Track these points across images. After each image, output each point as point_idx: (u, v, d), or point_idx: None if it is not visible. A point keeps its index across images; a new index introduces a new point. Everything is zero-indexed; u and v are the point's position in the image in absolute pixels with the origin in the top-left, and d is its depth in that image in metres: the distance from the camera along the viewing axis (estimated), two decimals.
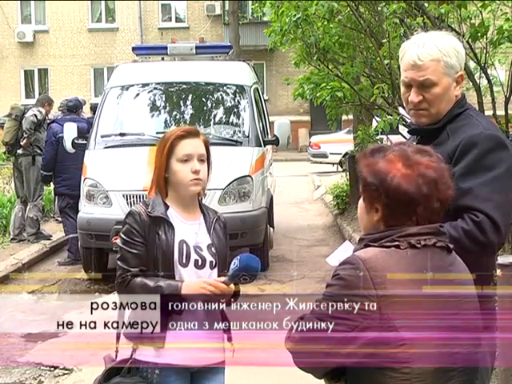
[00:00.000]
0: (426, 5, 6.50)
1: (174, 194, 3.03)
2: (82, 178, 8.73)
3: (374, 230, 2.07)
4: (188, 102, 10.04)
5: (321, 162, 22.88)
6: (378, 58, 7.40)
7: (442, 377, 2.00)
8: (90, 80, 32.35)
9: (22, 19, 32.42)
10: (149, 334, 2.83)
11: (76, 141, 9.14)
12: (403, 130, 7.13)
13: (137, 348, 2.90)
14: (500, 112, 6.48)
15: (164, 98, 10.05)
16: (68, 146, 9.19)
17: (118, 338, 3.07)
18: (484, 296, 2.44)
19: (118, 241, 2.99)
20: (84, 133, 9.44)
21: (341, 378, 2.10)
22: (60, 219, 11.61)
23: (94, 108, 11.61)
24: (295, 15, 8.14)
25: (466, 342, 2.04)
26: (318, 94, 8.68)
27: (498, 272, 4.15)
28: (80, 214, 8.63)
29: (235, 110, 9.82)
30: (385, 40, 7.11)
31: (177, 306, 2.84)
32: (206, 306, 2.91)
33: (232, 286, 2.88)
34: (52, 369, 5.91)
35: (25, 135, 10.36)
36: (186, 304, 2.87)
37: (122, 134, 9.14)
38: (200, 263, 2.97)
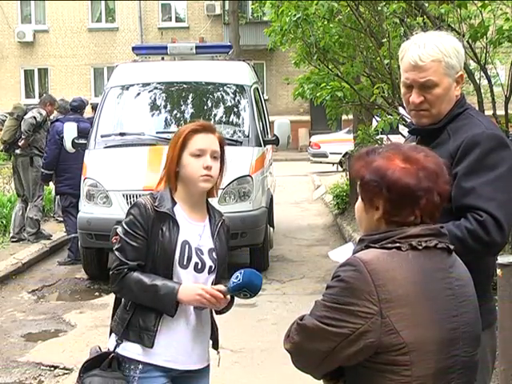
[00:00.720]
0: (426, 4, 6.51)
1: (183, 190, 2.93)
2: (82, 178, 8.73)
3: (375, 230, 2.06)
4: (188, 102, 10.04)
5: (321, 162, 22.89)
6: (378, 58, 7.40)
7: (442, 379, 1.99)
8: (89, 80, 32.36)
9: (22, 19, 32.42)
10: (138, 331, 2.83)
11: (76, 140, 9.15)
12: (403, 129, 7.13)
13: (121, 343, 2.85)
14: (500, 112, 6.48)
15: (164, 98, 10.05)
16: (68, 145, 9.20)
17: (111, 332, 3.02)
18: (484, 296, 2.45)
19: (119, 230, 2.90)
20: (87, 132, 9.45)
21: (339, 380, 2.10)
22: (60, 219, 11.63)
23: (95, 108, 11.60)
24: (295, 15, 8.14)
25: (466, 343, 2.04)
26: (318, 94, 8.68)
27: (498, 272, 4.16)
28: (80, 214, 8.63)
29: (235, 109, 9.82)
30: (385, 40, 7.11)
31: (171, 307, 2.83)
32: (197, 311, 2.90)
33: (228, 296, 2.85)
34: (52, 368, 5.91)
35: (23, 136, 10.36)
36: (185, 307, 2.86)
37: (121, 134, 9.14)
38: (200, 267, 2.90)
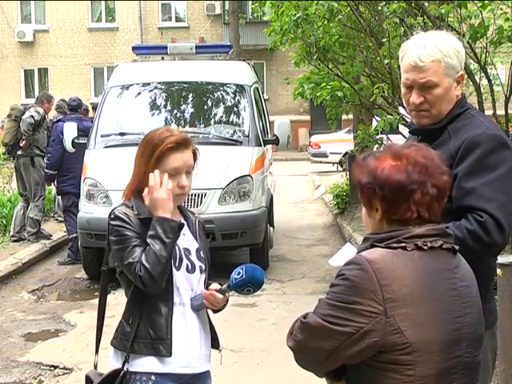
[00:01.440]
0: (426, 4, 6.51)
1: None
2: (82, 178, 8.73)
3: (379, 231, 2.07)
4: (188, 102, 10.05)
5: (321, 162, 22.89)
6: (378, 58, 7.40)
7: (445, 379, 2.00)
8: (89, 79, 32.36)
9: (22, 19, 32.42)
10: (151, 342, 2.74)
11: (76, 140, 9.15)
12: (403, 129, 7.14)
13: (129, 358, 2.74)
14: (500, 112, 6.48)
15: (164, 98, 10.06)
16: (68, 145, 9.20)
17: (96, 351, 2.96)
18: (485, 297, 2.45)
19: (112, 246, 2.78)
20: (89, 131, 9.45)
21: (342, 378, 2.11)
22: (60, 219, 11.63)
23: (95, 108, 11.61)
24: (295, 15, 8.14)
25: (469, 344, 2.04)
26: (318, 94, 8.68)
27: (498, 272, 4.16)
28: (80, 214, 8.63)
29: (235, 109, 9.82)
30: (385, 39, 7.11)
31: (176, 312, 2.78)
32: (196, 312, 2.85)
33: (227, 294, 2.82)
34: (52, 368, 5.91)
35: (23, 137, 10.35)
36: (183, 310, 2.82)
37: (121, 134, 9.14)
38: (190, 268, 2.85)
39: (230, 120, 9.83)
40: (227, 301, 2.89)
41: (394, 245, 1.99)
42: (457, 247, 2.08)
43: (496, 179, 2.55)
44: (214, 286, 2.85)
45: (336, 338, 1.96)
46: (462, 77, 2.70)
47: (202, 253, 2.91)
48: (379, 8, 7.42)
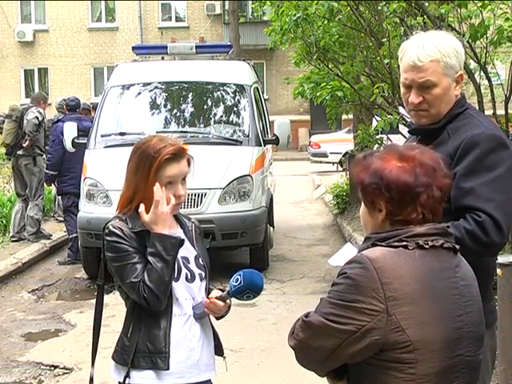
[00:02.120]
0: (426, 4, 6.50)
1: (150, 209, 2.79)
2: (82, 178, 8.73)
3: (381, 231, 2.07)
4: (188, 102, 10.05)
5: (321, 162, 22.88)
6: (378, 58, 7.40)
7: (446, 378, 2.00)
8: (89, 79, 32.36)
9: (22, 18, 32.42)
10: (149, 356, 2.73)
11: (76, 140, 9.15)
12: (403, 129, 7.14)
13: (130, 373, 2.74)
14: (500, 111, 6.48)
15: (164, 98, 10.06)
16: (68, 145, 9.20)
17: (92, 364, 2.95)
18: (485, 296, 2.45)
19: (110, 264, 2.77)
20: (89, 131, 9.45)
21: (343, 377, 2.11)
22: (60, 219, 11.63)
23: (95, 107, 11.62)
24: (295, 14, 8.14)
25: (471, 342, 2.04)
26: (318, 94, 8.68)
27: (498, 271, 4.16)
28: (80, 214, 8.63)
29: (235, 109, 9.82)
30: (385, 39, 7.11)
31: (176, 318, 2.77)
32: (199, 320, 2.84)
33: (228, 301, 2.80)
34: (52, 368, 5.91)
35: (27, 137, 10.35)
36: (186, 320, 2.80)
37: (122, 134, 9.14)
38: (190, 276, 2.82)
39: (230, 120, 9.83)
40: (229, 307, 2.87)
41: (396, 244, 2.00)
42: (457, 246, 2.09)
43: (494, 179, 2.55)
44: (215, 293, 2.83)
45: (338, 337, 1.96)
46: (462, 77, 2.69)
47: (200, 260, 2.88)
48: (379, 8, 7.42)
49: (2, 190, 13.05)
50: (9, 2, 30.91)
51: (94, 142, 9.14)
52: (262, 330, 6.72)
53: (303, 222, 13.03)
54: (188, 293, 2.82)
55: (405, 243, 1.99)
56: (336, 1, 7.88)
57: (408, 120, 5.75)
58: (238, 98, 9.85)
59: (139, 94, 9.98)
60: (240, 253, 9.47)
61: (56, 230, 11.36)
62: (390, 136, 8.50)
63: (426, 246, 2.00)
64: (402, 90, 2.77)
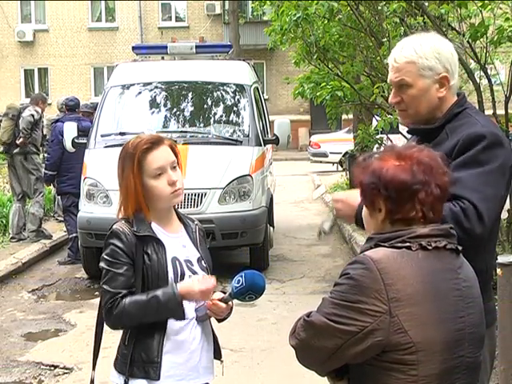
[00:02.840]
0: (426, 4, 6.51)
1: (154, 209, 2.82)
2: (82, 178, 8.73)
3: (383, 231, 2.07)
4: (188, 102, 10.05)
5: (321, 162, 22.89)
6: (378, 58, 7.41)
7: (447, 379, 2.00)
8: (89, 79, 32.36)
9: (22, 18, 32.42)
10: (143, 365, 2.74)
11: (76, 140, 9.16)
12: (403, 129, 7.14)
13: (128, 381, 2.75)
14: (500, 111, 6.49)
15: (164, 98, 10.05)
16: (68, 145, 9.20)
17: (93, 367, 2.97)
18: (484, 296, 2.46)
19: (102, 264, 2.78)
20: (88, 131, 9.45)
21: (344, 377, 2.10)
22: (60, 219, 11.63)
23: (95, 107, 11.63)
24: (295, 14, 8.15)
25: (472, 344, 2.05)
26: (318, 94, 8.69)
27: (498, 271, 4.16)
28: (80, 214, 8.63)
29: (235, 109, 9.82)
30: (385, 39, 7.12)
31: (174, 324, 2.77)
32: (200, 323, 2.84)
33: (230, 303, 2.79)
34: (52, 368, 5.91)
35: (21, 134, 10.36)
36: (187, 324, 2.79)
37: (122, 133, 9.13)
38: None
39: (230, 120, 9.83)
40: (231, 309, 2.86)
41: (399, 244, 2.00)
42: (460, 248, 2.08)
43: (484, 173, 2.56)
44: (217, 295, 2.81)
45: (339, 337, 1.96)
46: (445, 78, 2.69)
47: (203, 262, 2.88)
48: (379, 8, 7.43)
49: (1, 190, 13.05)
50: (9, 2, 30.90)
51: (93, 141, 9.14)
52: (261, 330, 6.72)
53: (303, 221, 13.02)
54: None
55: (408, 244, 1.99)
56: (336, 1, 7.89)
57: None
58: (237, 97, 9.85)
59: (139, 93, 9.98)
60: (240, 253, 9.47)
61: (56, 230, 11.36)
62: (390, 136, 8.51)
63: (429, 248, 2.00)
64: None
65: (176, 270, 2.79)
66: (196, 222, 3.00)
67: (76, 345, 6.44)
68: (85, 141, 9.16)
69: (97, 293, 8.24)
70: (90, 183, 8.58)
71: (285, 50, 10.93)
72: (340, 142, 20.87)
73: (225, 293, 2.83)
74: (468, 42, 6.08)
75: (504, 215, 7.09)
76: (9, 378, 5.74)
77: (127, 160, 2.78)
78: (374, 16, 7.72)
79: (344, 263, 9.43)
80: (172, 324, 2.77)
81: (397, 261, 1.97)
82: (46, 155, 10.29)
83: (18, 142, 10.39)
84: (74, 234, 9.46)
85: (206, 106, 9.96)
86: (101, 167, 8.64)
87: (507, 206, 7.03)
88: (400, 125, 7.32)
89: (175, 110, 9.94)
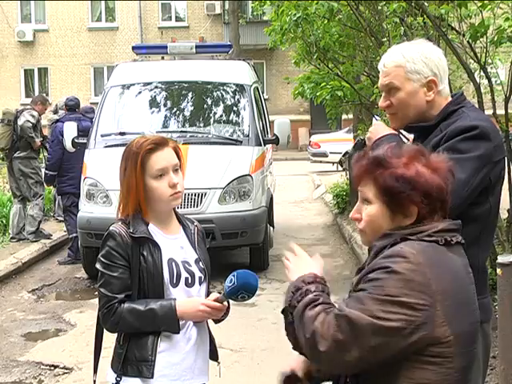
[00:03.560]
0: (426, 4, 6.50)
1: (153, 210, 2.83)
2: (82, 177, 8.74)
3: (400, 228, 2.05)
4: (188, 101, 10.05)
5: (321, 161, 22.89)
6: (378, 57, 7.39)
7: (470, 372, 2.02)
8: (89, 79, 32.36)
9: (22, 18, 32.42)
10: (136, 364, 2.75)
11: (76, 140, 9.16)
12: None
13: (120, 380, 2.76)
14: (500, 111, 6.48)
15: (164, 97, 10.06)
16: (68, 145, 9.21)
17: (95, 369, 2.98)
18: (481, 292, 2.50)
19: (98, 265, 2.78)
20: (88, 131, 9.46)
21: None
22: (60, 219, 11.63)
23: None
24: (295, 14, 8.15)
25: (478, 337, 2.09)
26: (318, 93, 8.69)
27: (498, 271, 4.16)
28: (80, 214, 8.64)
29: (235, 109, 9.83)
30: (385, 39, 7.12)
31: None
32: (196, 324, 2.84)
33: (225, 303, 2.79)
34: (52, 368, 5.91)
35: (30, 140, 10.37)
36: (183, 324, 2.80)
37: (121, 133, 9.14)
38: (190, 281, 2.83)
39: (230, 119, 9.84)
40: (228, 309, 2.86)
41: (427, 238, 1.99)
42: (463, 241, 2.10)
43: (461, 159, 2.57)
44: (212, 296, 2.82)
45: (385, 335, 1.88)
46: (433, 82, 2.74)
47: (201, 263, 2.88)
48: (379, 8, 7.43)
49: (2, 190, 13.05)
50: (9, 2, 30.90)
51: (93, 141, 9.14)
52: (262, 330, 6.73)
53: (303, 221, 13.03)
54: (187, 297, 2.82)
55: (435, 238, 2.00)
56: (336, 1, 7.89)
57: None
58: (237, 97, 9.86)
59: (139, 93, 9.98)
60: (240, 253, 9.47)
61: (56, 230, 11.36)
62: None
63: (452, 242, 2.02)
64: None
65: (172, 271, 2.79)
66: (195, 224, 3.00)
67: (76, 345, 6.44)
68: (85, 141, 9.16)
69: (97, 293, 8.24)
70: (90, 183, 8.58)
71: (285, 49, 10.94)
72: (340, 141, 20.87)
73: (220, 293, 2.83)
74: (468, 42, 6.08)
75: (504, 215, 7.09)
76: (9, 378, 5.74)
77: (131, 158, 2.79)
78: (374, 16, 7.72)
79: (344, 263, 9.44)
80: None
81: (433, 254, 1.97)
82: (46, 155, 10.28)
83: (34, 148, 10.45)
84: (74, 234, 9.46)
85: (206, 105, 9.97)
86: (101, 167, 8.65)
87: (507, 205, 7.03)
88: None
89: (175, 109, 9.94)
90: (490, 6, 5.97)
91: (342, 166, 20.43)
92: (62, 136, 9.47)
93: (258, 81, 11.35)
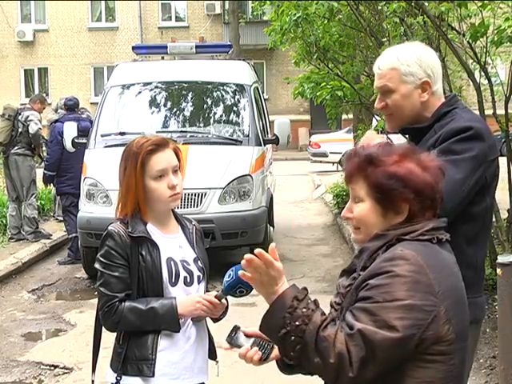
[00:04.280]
0: (426, 4, 6.50)
1: (152, 210, 2.84)
2: (82, 177, 8.74)
3: (392, 227, 2.05)
4: (188, 101, 10.05)
5: (321, 161, 22.89)
6: None
7: (464, 368, 2.04)
8: (89, 79, 32.36)
9: (22, 18, 32.42)
10: (136, 363, 2.76)
11: (76, 140, 9.16)
12: None
13: (120, 379, 2.77)
14: (500, 111, 6.48)
15: (164, 97, 10.06)
16: (68, 145, 9.21)
17: (93, 369, 2.99)
18: (471, 291, 2.53)
19: (97, 265, 2.80)
20: (87, 131, 9.46)
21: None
22: (60, 219, 11.62)
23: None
24: (295, 14, 8.15)
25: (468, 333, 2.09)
26: (318, 93, 8.69)
27: (498, 271, 4.16)
28: (80, 214, 8.64)
29: (235, 109, 9.83)
30: (385, 39, 7.12)
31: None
32: (195, 323, 2.86)
33: (224, 300, 2.80)
34: (52, 368, 5.91)
35: (38, 146, 10.53)
36: (181, 321, 2.81)
37: (121, 133, 9.14)
38: (189, 280, 2.84)
39: (230, 119, 9.84)
40: (227, 308, 2.88)
41: (420, 237, 1.99)
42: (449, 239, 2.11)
43: (456, 160, 2.62)
44: (211, 293, 2.83)
45: (399, 345, 1.86)
46: (427, 83, 2.77)
47: (199, 262, 2.90)
48: (379, 8, 7.43)
49: (2, 190, 13.05)
50: (9, 2, 30.89)
51: (93, 141, 9.14)
52: None
53: (303, 221, 13.02)
54: (187, 295, 2.83)
55: (428, 237, 2.00)
56: (336, 1, 7.89)
57: None
58: (237, 97, 9.86)
59: (139, 93, 9.98)
60: (240, 253, 9.47)
61: (56, 230, 11.36)
62: (389, 136, 8.50)
63: (443, 240, 2.03)
64: None
65: (171, 270, 2.81)
66: (194, 223, 3.01)
67: (76, 345, 6.44)
68: (84, 141, 9.16)
69: (97, 293, 8.23)
70: (90, 183, 8.58)
71: (285, 50, 10.93)
72: (340, 141, 20.87)
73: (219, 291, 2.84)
74: (468, 42, 6.08)
75: (504, 215, 7.09)
76: (9, 377, 5.74)
77: (131, 158, 2.80)
78: (374, 16, 7.72)
79: (344, 263, 9.43)
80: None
81: (431, 254, 1.97)
82: (45, 155, 10.28)
83: (37, 152, 10.54)
84: (74, 234, 9.46)
85: (205, 105, 9.97)
86: (101, 167, 8.64)
87: (507, 205, 7.03)
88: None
89: (175, 109, 9.94)
90: (490, 6, 5.97)
91: (342, 166, 20.43)
92: (61, 136, 9.47)
93: (258, 81, 11.35)
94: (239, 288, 2.59)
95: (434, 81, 2.79)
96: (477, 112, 6.51)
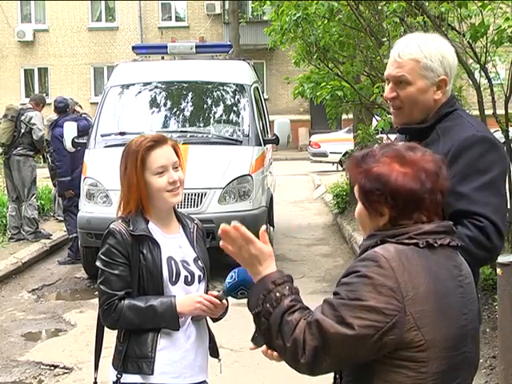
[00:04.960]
0: (427, 4, 6.51)
1: (153, 208, 2.85)
2: (82, 177, 8.74)
3: (385, 228, 2.04)
4: (188, 101, 10.05)
5: (321, 161, 22.89)
6: (378, 57, 7.40)
7: (452, 376, 1.99)
8: (89, 79, 32.36)
9: (22, 18, 32.41)
10: (136, 360, 2.77)
11: (76, 140, 9.16)
12: None
13: (121, 377, 2.78)
14: (500, 111, 6.48)
15: (164, 97, 10.06)
16: (68, 145, 9.21)
17: (96, 368, 2.99)
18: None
19: (98, 263, 2.80)
20: (86, 131, 9.45)
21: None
22: (60, 218, 11.63)
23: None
24: (295, 14, 8.15)
25: (472, 340, 2.05)
26: (318, 93, 8.68)
27: (498, 271, 4.16)
28: (80, 213, 8.64)
29: (235, 109, 9.83)
30: (385, 39, 7.12)
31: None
32: (195, 323, 2.86)
33: (224, 301, 2.81)
34: (52, 368, 5.91)
35: (42, 149, 10.58)
36: (182, 322, 2.82)
37: (121, 133, 9.14)
38: (189, 279, 2.85)
39: (230, 119, 9.84)
40: (227, 308, 2.89)
41: (406, 241, 1.97)
42: (460, 244, 2.07)
43: (489, 183, 2.55)
44: (212, 293, 2.83)
45: (353, 343, 1.89)
46: (444, 81, 2.66)
47: (200, 262, 2.90)
48: (379, 7, 7.43)
49: (2, 190, 13.05)
50: (9, 2, 30.89)
51: (93, 141, 9.14)
52: None
53: (303, 221, 13.03)
54: (186, 295, 2.83)
55: (415, 241, 1.97)
56: (336, 0, 7.89)
57: None
58: (237, 97, 9.86)
59: (139, 93, 9.98)
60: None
61: (56, 230, 11.36)
62: (389, 136, 8.51)
63: (436, 245, 1.98)
64: (385, 86, 2.78)
65: (171, 269, 2.81)
66: (196, 222, 3.02)
67: (76, 345, 6.44)
68: (84, 141, 9.16)
69: (97, 292, 8.22)
70: (90, 183, 8.58)
71: (285, 49, 10.93)
72: (340, 141, 20.88)
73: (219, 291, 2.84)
74: (468, 41, 6.08)
75: None
76: (9, 377, 5.74)
77: (130, 157, 2.82)
78: (374, 16, 7.72)
79: (344, 263, 9.43)
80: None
81: (408, 258, 1.94)
82: (56, 163, 10.05)
83: (41, 153, 10.57)
84: (74, 234, 9.46)
85: (205, 105, 9.97)
86: (101, 167, 8.65)
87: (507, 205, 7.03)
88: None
89: (175, 109, 9.94)
90: (490, 6, 5.97)
91: (342, 166, 20.43)
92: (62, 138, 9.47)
93: (258, 81, 11.35)
94: (240, 290, 2.60)
95: (450, 80, 2.68)
96: (477, 112, 6.53)
